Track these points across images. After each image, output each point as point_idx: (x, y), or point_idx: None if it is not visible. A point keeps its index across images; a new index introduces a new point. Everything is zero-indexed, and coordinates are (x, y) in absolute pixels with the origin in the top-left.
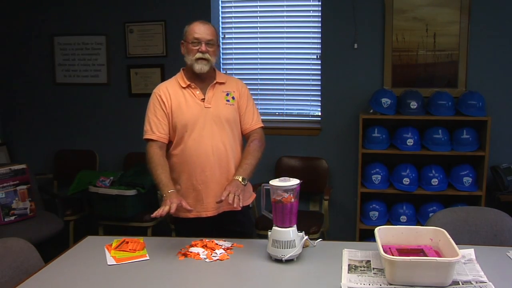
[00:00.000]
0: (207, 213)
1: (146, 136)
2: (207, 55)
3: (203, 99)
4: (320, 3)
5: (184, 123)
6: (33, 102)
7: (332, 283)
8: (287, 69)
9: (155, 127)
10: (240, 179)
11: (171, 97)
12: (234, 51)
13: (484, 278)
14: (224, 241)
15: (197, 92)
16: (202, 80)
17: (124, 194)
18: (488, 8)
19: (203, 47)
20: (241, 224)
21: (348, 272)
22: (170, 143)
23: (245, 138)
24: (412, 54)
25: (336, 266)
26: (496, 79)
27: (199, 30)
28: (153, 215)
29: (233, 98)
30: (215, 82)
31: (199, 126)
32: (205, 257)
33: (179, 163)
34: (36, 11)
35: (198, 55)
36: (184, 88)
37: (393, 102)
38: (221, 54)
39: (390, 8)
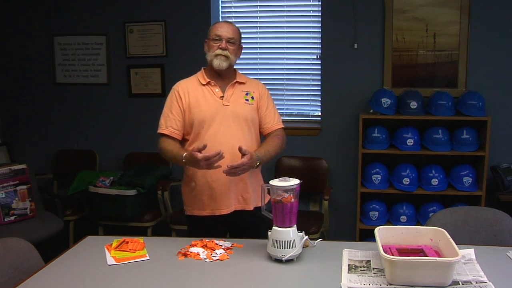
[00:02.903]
0: (221, 211)
1: (159, 131)
2: (226, 52)
3: (222, 97)
4: (320, 3)
5: (202, 119)
6: (33, 102)
7: (332, 283)
8: (287, 69)
9: (169, 122)
10: (258, 162)
11: (190, 93)
12: None
13: (484, 278)
14: (224, 241)
15: (216, 89)
16: (222, 79)
17: (124, 194)
18: (488, 8)
19: (224, 44)
20: (254, 225)
21: (348, 272)
22: (185, 141)
23: (265, 139)
24: (412, 54)
25: (336, 266)
26: (496, 79)
27: (221, 27)
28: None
29: (252, 98)
30: (235, 81)
31: (217, 123)
32: (205, 257)
33: None
34: (36, 11)
35: (218, 51)
36: (203, 85)
37: (393, 102)
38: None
39: (390, 8)
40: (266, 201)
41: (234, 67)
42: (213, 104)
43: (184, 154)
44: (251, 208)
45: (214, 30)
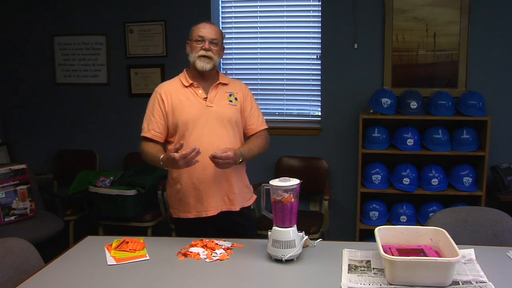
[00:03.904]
0: (207, 213)
1: (141, 134)
2: (210, 53)
3: (205, 98)
4: (320, 3)
5: (185, 121)
6: (33, 102)
7: (332, 283)
8: (287, 69)
9: (151, 125)
10: (241, 159)
11: (172, 95)
12: (234, 51)
13: (484, 278)
14: (224, 241)
15: (200, 91)
16: (205, 80)
17: (124, 194)
18: (488, 8)
19: (207, 45)
20: (241, 226)
21: (348, 272)
22: (168, 143)
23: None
24: (412, 54)
25: (336, 266)
26: (496, 79)
27: (204, 28)
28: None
29: (236, 99)
30: (218, 82)
31: (201, 124)
32: (205, 257)
33: None
34: (36, 11)
35: (202, 52)
36: (186, 87)
37: (393, 102)
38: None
39: (390, 8)
40: (252, 201)
41: (222, 67)
42: (197, 105)
43: (161, 157)
44: (237, 209)
45: (197, 31)
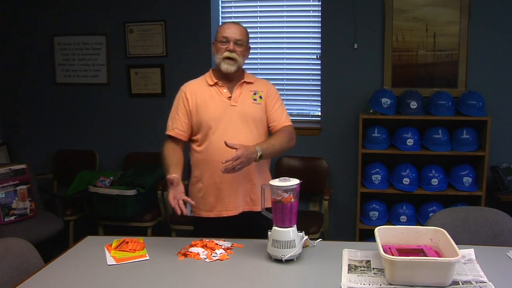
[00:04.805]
0: (228, 213)
1: (166, 132)
2: (234, 55)
3: (229, 97)
4: (320, 3)
5: (209, 119)
6: (33, 102)
7: (332, 283)
8: (287, 69)
9: (175, 124)
10: (258, 154)
11: (197, 94)
12: None
13: (484, 278)
14: (224, 241)
15: (224, 90)
16: (229, 80)
17: (124, 194)
18: (488, 8)
19: (231, 46)
20: (261, 226)
21: (348, 272)
22: (193, 142)
23: None
24: (412, 54)
25: (336, 266)
26: (496, 79)
27: (229, 29)
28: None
29: (260, 97)
30: (243, 81)
31: (224, 123)
32: (205, 257)
33: (203, 160)
34: (36, 11)
35: (226, 53)
36: (211, 85)
37: (393, 102)
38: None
39: (390, 8)
40: (267, 204)
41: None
42: (221, 104)
43: (167, 177)
44: (260, 209)
45: (222, 32)
